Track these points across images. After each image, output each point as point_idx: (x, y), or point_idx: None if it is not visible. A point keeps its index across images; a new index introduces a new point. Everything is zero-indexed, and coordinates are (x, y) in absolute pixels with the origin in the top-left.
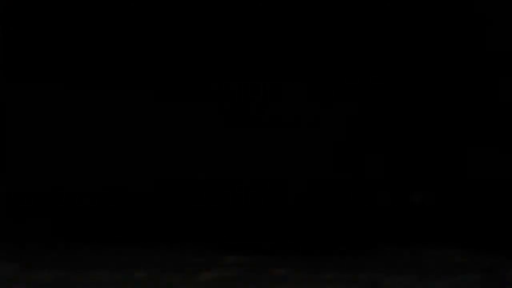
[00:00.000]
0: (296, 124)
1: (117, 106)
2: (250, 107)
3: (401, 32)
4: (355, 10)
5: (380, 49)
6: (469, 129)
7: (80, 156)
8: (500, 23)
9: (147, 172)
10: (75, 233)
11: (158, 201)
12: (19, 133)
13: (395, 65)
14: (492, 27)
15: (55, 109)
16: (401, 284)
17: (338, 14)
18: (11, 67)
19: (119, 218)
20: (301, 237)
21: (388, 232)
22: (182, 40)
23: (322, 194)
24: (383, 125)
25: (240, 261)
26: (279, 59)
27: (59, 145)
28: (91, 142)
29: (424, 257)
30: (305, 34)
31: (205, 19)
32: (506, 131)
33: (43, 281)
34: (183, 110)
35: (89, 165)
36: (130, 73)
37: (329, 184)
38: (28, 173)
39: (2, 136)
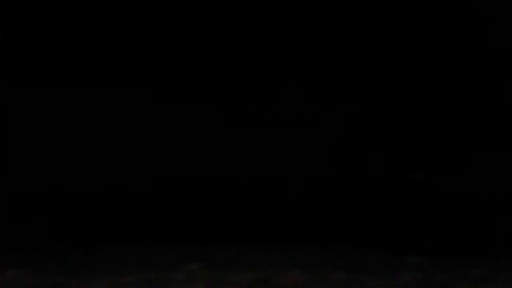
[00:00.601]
0: (296, 124)
1: (117, 106)
2: (250, 107)
3: (401, 32)
4: (355, 10)
5: (380, 49)
6: (469, 128)
7: (80, 156)
8: (500, 23)
9: (147, 172)
10: (75, 233)
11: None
12: (19, 133)
13: (395, 65)
14: (492, 27)
15: (55, 109)
16: None
17: (338, 15)
18: (11, 67)
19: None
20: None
21: None
22: (182, 40)
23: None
24: (383, 125)
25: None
26: (279, 59)
27: (59, 145)
28: (91, 142)
29: None
30: (305, 34)
31: (205, 19)
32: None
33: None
34: (183, 110)
35: (89, 165)
36: (130, 73)
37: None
38: (28, 173)
39: (2, 136)
